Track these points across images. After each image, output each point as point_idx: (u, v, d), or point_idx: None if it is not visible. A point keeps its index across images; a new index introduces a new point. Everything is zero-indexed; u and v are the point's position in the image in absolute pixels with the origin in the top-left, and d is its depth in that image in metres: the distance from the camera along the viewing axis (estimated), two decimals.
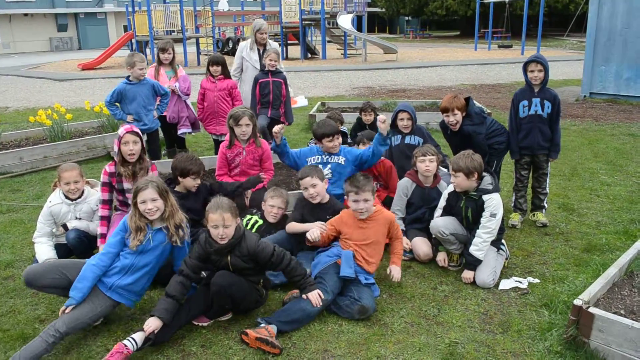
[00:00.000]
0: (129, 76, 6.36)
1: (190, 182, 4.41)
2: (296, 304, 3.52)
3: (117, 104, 6.41)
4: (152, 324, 3.23)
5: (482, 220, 4.10)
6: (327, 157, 4.91)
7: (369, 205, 3.92)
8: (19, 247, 4.86)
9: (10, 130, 9.28)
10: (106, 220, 4.35)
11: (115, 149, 4.33)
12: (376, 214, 4.00)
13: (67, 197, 4.31)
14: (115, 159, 4.40)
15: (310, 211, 4.36)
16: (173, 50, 7.31)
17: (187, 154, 4.55)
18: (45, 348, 3.13)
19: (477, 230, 4.11)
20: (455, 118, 4.93)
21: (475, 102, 5.22)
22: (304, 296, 3.53)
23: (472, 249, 4.08)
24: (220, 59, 6.95)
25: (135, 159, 4.35)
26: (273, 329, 3.33)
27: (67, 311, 3.27)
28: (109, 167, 4.40)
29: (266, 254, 3.48)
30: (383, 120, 4.56)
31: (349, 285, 3.75)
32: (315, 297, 3.51)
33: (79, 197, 4.35)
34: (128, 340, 3.17)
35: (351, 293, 3.68)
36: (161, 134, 7.37)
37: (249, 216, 4.54)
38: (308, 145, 5.54)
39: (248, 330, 3.29)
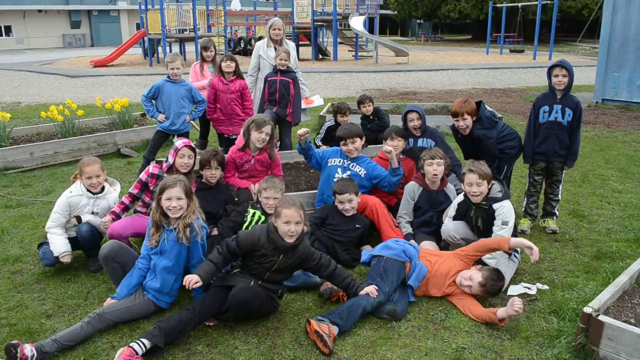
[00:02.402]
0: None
1: (207, 173, 4.67)
2: (357, 303, 3.51)
3: (152, 101, 6.49)
4: (194, 277, 3.24)
5: (494, 228, 4.07)
6: (349, 163, 4.91)
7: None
8: (28, 242, 4.89)
9: (22, 125, 9.35)
10: (123, 207, 4.43)
11: (170, 159, 4.44)
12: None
13: (88, 190, 4.33)
14: (164, 165, 4.48)
15: (339, 220, 4.51)
16: (214, 47, 7.58)
17: (211, 148, 4.69)
18: (81, 326, 3.32)
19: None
20: (465, 122, 4.89)
21: (486, 106, 5.18)
22: (361, 292, 3.56)
23: (485, 257, 4.06)
24: (234, 57, 6.95)
25: (186, 171, 4.44)
26: (335, 330, 3.33)
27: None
28: (152, 168, 4.48)
29: (315, 258, 3.56)
30: (389, 150, 4.56)
31: None
32: (372, 289, 3.56)
33: (100, 191, 4.39)
34: (136, 343, 3.13)
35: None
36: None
37: (252, 211, 4.47)
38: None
39: (312, 321, 3.31)
